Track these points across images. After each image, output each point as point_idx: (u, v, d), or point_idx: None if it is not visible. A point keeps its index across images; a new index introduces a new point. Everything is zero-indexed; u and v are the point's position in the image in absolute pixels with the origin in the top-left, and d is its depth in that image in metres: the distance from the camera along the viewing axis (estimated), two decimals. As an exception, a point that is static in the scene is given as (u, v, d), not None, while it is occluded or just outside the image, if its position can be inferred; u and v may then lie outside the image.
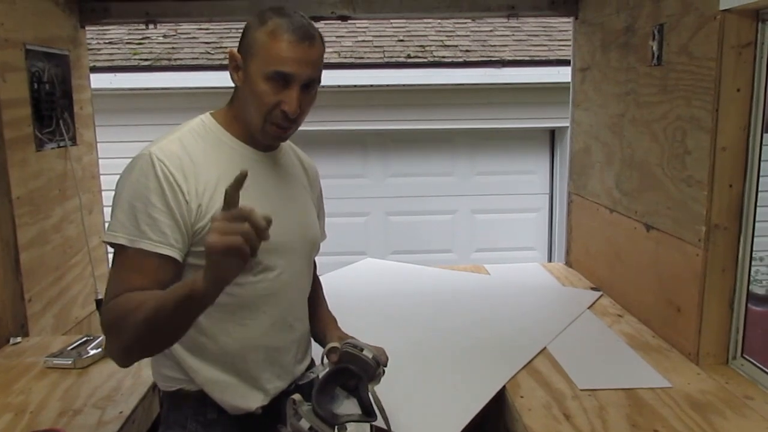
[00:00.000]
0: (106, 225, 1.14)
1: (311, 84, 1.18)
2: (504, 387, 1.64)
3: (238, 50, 1.19)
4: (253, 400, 1.24)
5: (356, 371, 1.21)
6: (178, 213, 1.10)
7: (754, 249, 1.69)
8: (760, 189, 1.66)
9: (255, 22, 1.17)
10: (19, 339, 1.98)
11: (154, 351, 1.14)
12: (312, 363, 1.43)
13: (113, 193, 1.14)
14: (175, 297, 0.95)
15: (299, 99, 1.16)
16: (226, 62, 1.23)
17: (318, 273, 1.49)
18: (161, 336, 1.04)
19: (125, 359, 1.09)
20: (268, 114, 1.16)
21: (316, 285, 1.50)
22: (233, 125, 1.23)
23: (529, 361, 1.78)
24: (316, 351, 1.40)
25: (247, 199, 1.20)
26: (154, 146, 1.14)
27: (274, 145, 1.29)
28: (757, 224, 1.67)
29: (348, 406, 1.18)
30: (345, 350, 1.25)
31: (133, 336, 1.01)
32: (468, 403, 1.57)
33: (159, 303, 0.97)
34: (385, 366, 1.27)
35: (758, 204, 1.67)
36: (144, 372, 1.66)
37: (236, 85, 1.21)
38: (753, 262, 1.70)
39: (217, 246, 0.85)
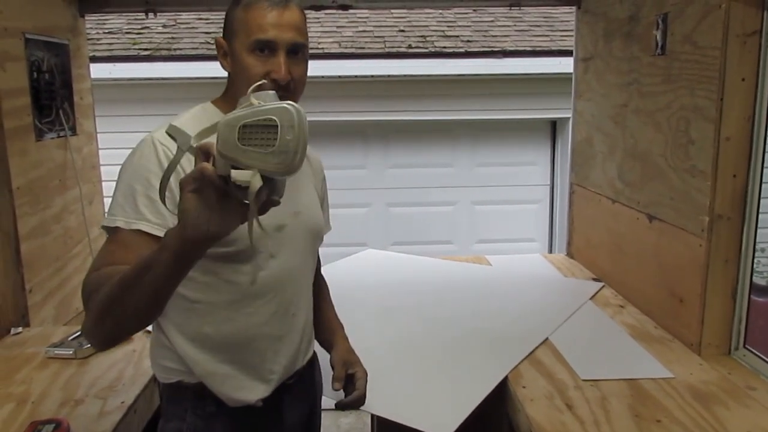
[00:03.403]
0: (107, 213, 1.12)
1: (298, 50, 1.16)
2: (506, 377, 1.64)
3: (223, 37, 1.20)
4: (253, 392, 1.23)
5: None
6: (178, 196, 1.08)
7: (757, 240, 1.68)
8: (764, 180, 1.65)
9: (232, 5, 1.17)
10: (20, 329, 1.98)
11: (125, 326, 0.97)
12: (314, 355, 1.43)
13: (115, 181, 1.13)
14: (144, 257, 0.88)
15: (287, 64, 1.14)
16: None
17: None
18: (132, 304, 0.91)
19: (98, 336, 1.00)
20: None
21: (321, 287, 1.50)
22: None
23: (531, 352, 1.78)
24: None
25: None
26: (156, 132, 1.13)
27: None
28: (760, 215, 1.67)
29: None
30: None
31: (105, 305, 0.93)
32: (470, 393, 1.57)
33: (130, 267, 0.90)
34: None
35: (762, 195, 1.66)
36: (145, 362, 1.66)
37: (227, 71, 1.21)
38: (755, 254, 1.70)
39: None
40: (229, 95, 1.23)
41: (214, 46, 1.24)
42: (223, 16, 1.23)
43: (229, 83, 1.23)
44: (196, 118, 1.19)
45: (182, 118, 1.19)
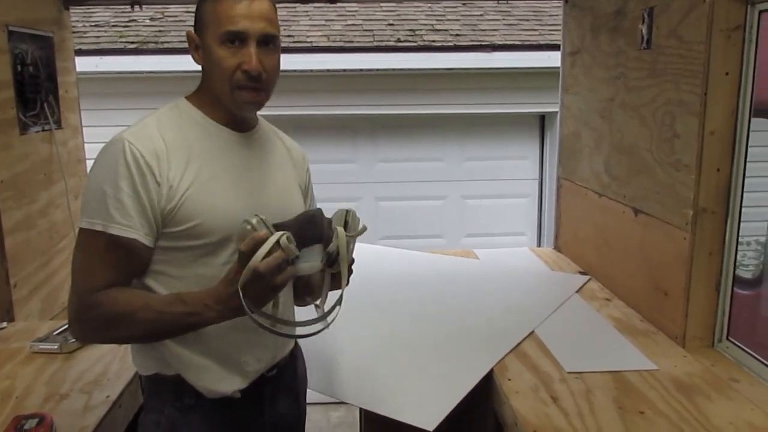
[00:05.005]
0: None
1: (269, 40, 1.16)
2: (492, 370, 1.65)
3: (195, 30, 1.20)
4: (230, 384, 1.22)
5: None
6: (146, 198, 1.10)
7: (740, 233, 1.70)
8: (747, 174, 1.67)
9: None
10: (4, 324, 1.97)
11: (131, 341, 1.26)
12: (296, 346, 1.42)
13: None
14: (183, 323, 1.12)
15: (258, 55, 1.13)
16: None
17: None
18: (155, 339, 1.18)
19: (95, 342, 1.22)
20: (231, 78, 1.14)
21: None
22: (207, 107, 1.22)
23: (517, 345, 1.79)
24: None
25: (222, 180, 1.19)
26: (127, 131, 1.14)
27: (252, 123, 1.27)
28: (743, 209, 1.68)
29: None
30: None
31: (126, 336, 1.18)
32: (456, 385, 1.57)
33: (161, 317, 1.11)
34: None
35: (745, 189, 1.67)
36: (130, 357, 1.65)
37: (201, 65, 1.21)
38: (740, 247, 1.71)
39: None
40: (203, 89, 1.23)
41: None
42: None
43: (203, 77, 1.23)
44: (172, 117, 1.19)
45: (155, 115, 1.19)
